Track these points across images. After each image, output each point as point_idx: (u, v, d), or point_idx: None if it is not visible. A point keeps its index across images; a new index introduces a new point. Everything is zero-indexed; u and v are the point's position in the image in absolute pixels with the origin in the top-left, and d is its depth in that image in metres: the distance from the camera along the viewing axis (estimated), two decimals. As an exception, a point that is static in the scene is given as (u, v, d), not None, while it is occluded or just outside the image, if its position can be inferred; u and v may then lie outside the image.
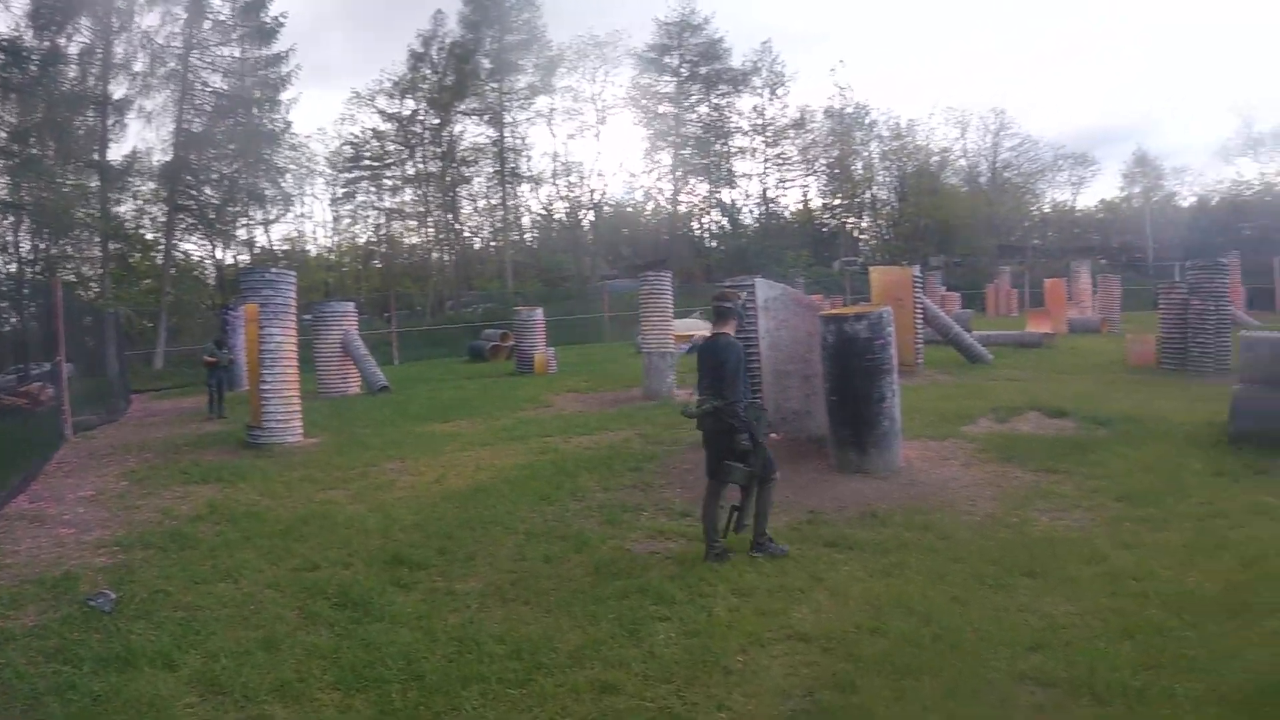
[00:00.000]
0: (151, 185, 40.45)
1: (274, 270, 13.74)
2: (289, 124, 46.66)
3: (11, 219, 35.75)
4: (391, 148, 55.79)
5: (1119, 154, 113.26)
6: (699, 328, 26.84)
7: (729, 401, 6.44)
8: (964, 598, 5.52)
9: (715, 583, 5.88)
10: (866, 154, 63.15)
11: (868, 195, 64.29)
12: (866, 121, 62.28)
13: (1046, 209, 68.46)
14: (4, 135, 34.29)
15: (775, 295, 10.69)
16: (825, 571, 6.08)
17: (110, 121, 38.30)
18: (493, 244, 59.49)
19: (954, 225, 59.10)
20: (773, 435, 8.72)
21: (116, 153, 38.98)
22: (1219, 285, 16.71)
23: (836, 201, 64.49)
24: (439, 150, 55.72)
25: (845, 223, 65.49)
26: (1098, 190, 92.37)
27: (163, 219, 40.76)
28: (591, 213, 60.88)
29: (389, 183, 56.72)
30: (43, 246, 37.26)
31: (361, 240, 58.87)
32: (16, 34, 34.12)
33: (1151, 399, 13.02)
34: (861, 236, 66.13)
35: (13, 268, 34.46)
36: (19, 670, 4.90)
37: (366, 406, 16.56)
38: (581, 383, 18.62)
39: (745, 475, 6.41)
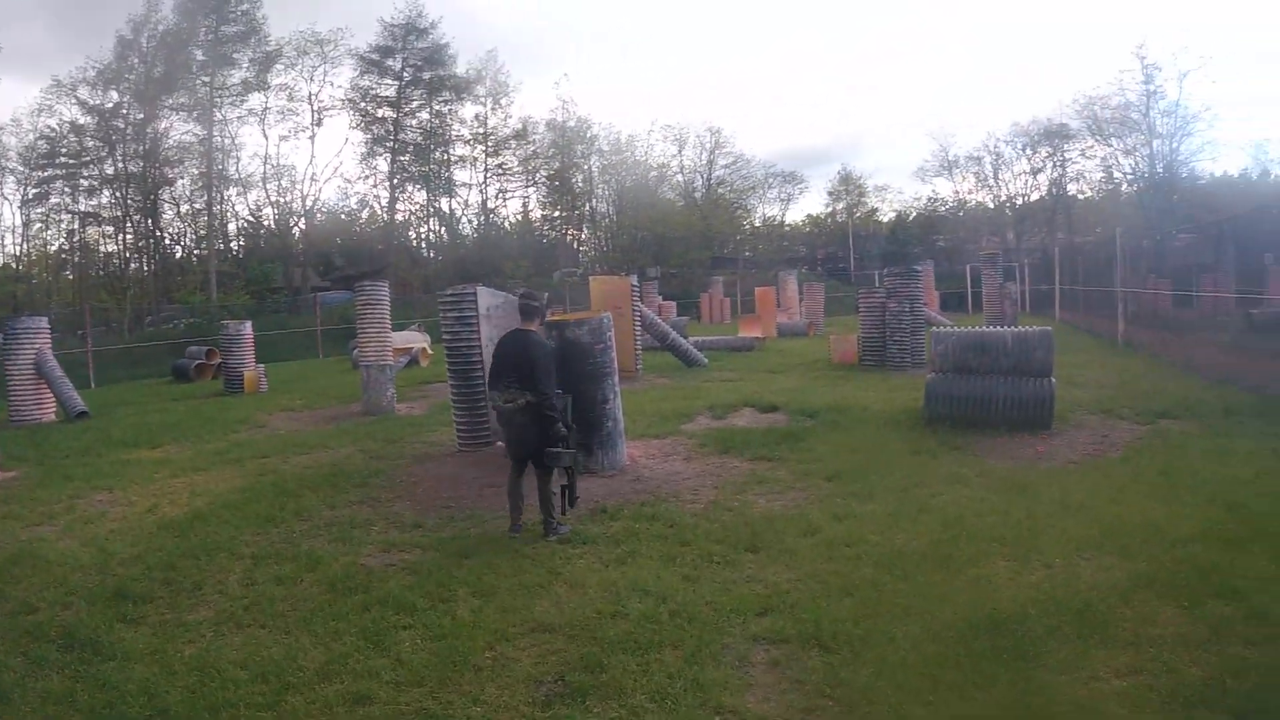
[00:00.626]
0: None
1: None
2: None
3: None
4: (90, 144, 50.74)
5: (825, 173, 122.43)
6: (418, 340, 26.44)
7: (544, 394, 6.85)
8: (695, 575, 5.87)
9: (455, 587, 5.90)
10: (587, 167, 64.26)
11: (587, 207, 65.41)
12: (588, 135, 63.38)
13: (758, 223, 72.64)
14: None
15: (498, 303, 10.90)
16: (562, 566, 6.24)
17: None
18: (196, 252, 55.43)
19: (670, 237, 61.19)
20: (498, 444, 8.85)
21: None
22: (913, 289, 18.17)
23: (557, 213, 65.27)
24: (142, 148, 51.08)
25: (565, 234, 66.40)
26: (805, 206, 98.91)
27: None
28: (303, 220, 58.24)
29: (85, 183, 51.62)
30: None
31: (54, 248, 53.55)
32: None
33: (854, 392, 14.11)
34: (581, 247, 67.30)
35: None
36: None
37: (65, 434, 15.04)
38: (296, 400, 17.81)
39: (570, 458, 6.90)
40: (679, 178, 68.58)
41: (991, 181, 64.83)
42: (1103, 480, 7.86)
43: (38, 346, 17.62)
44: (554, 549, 6.64)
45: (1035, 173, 62.44)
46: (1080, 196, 61.89)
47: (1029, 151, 61.80)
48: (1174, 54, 54.89)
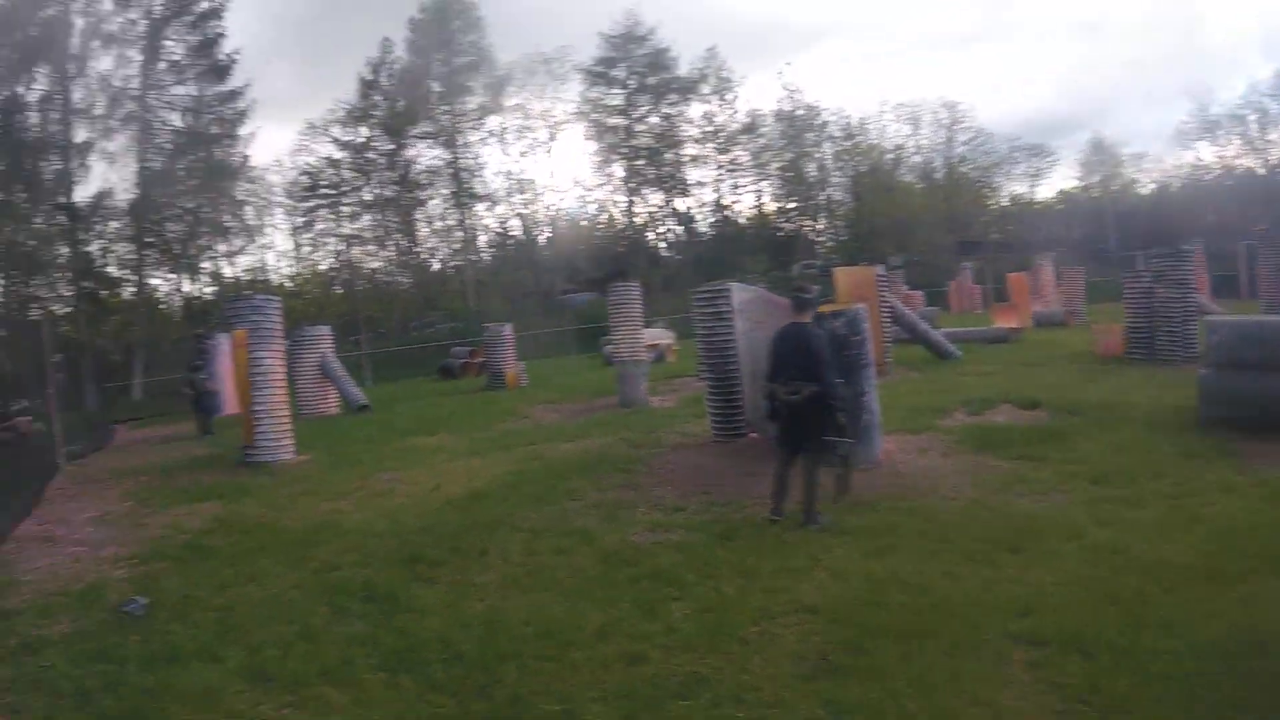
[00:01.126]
0: (117, 224, 40.74)
1: (260, 297, 13.96)
2: (247, 157, 46.82)
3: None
4: (347, 174, 55.61)
5: (1075, 143, 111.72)
6: (665, 337, 27.19)
7: (828, 383, 7.04)
8: (955, 572, 5.88)
9: (720, 566, 6.22)
10: (819, 155, 62.78)
11: (823, 197, 63.94)
12: (818, 122, 61.91)
13: (1005, 202, 68.17)
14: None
15: (750, 298, 11.09)
16: (822, 554, 6.41)
17: (74, 164, 38.58)
18: (452, 264, 59.37)
19: (911, 222, 58.88)
20: (753, 434, 9.10)
21: (82, 194, 39.34)
22: (1184, 272, 16.75)
23: (791, 205, 63.99)
24: (394, 175, 55.63)
25: (801, 225, 64.97)
26: (1057, 181, 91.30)
27: (130, 255, 41.03)
28: (548, 228, 60.91)
29: (347, 209, 56.48)
30: (13, 288, 37.46)
31: (323, 267, 58.88)
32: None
33: (1121, 387, 13.34)
34: (818, 239, 65.62)
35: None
36: (63, 671, 5.13)
37: (349, 425, 16.75)
38: (555, 395, 18.82)
39: (848, 447, 7.13)
40: (916, 158, 65.59)
41: (1260, 144, 57.75)
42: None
43: (322, 350, 19.82)
44: (814, 537, 6.82)
45: None
46: None
47: None
48: None
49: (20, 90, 36.88)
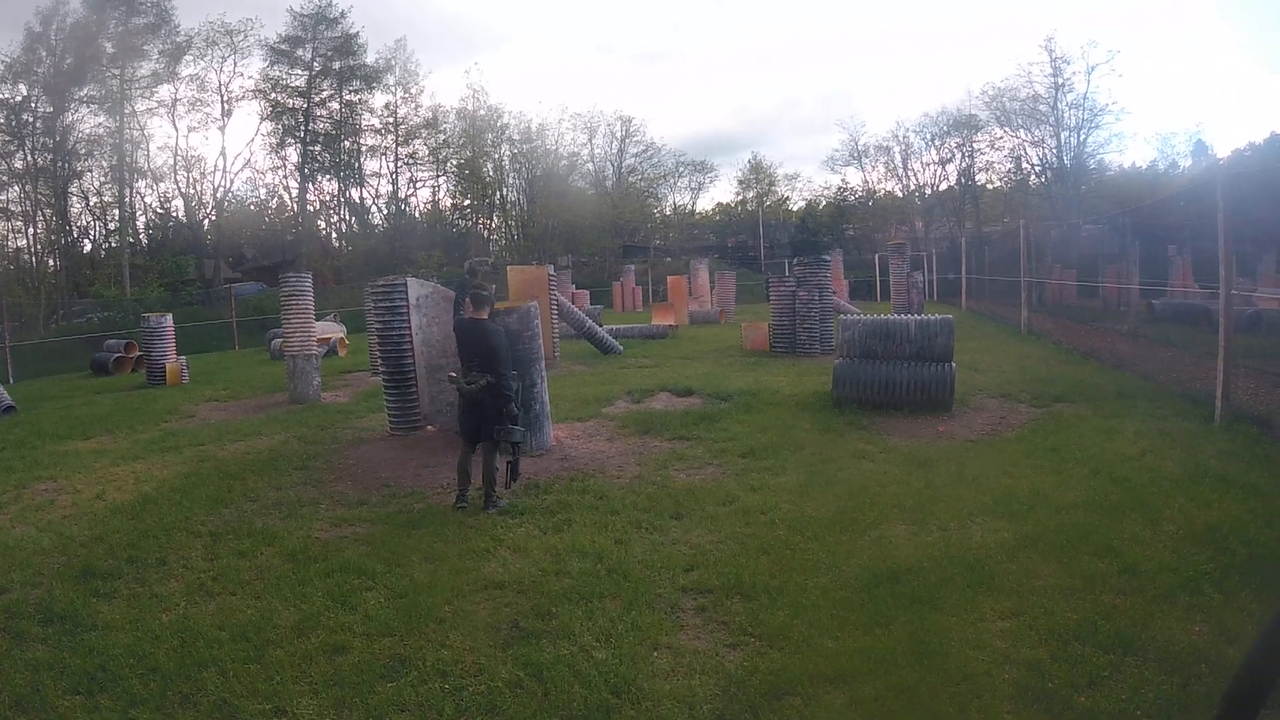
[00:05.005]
0: None
1: None
2: None
3: None
4: None
5: (736, 161, 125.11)
6: (336, 330, 26.51)
7: (501, 376, 7.57)
8: (626, 539, 6.53)
9: (408, 554, 6.42)
10: (498, 156, 63.76)
11: (498, 196, 64.85)
12: (498, 124, 62.99)
13: (668, 212, 73.10)
14: None
15: (427, 293, 11.30)
16: (504, 534, 6.81)
17: None
18: (106, 246, 54.00)
19: (581, 226, 61.36)
20: (429, 428, 9.36)
21: None
22: (823, 278, 19.01)
23: (467, 202, 64.65)
24: (51, 141, 49.40)
25: (476, 223, 65.84)
26: (716, 194, 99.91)
27: None
28: (213, 211, 56.98)
29: None
30: None
31: None
32: None
33: (766, 376, 14.84)
34: (492, 237, 66.59)
35: None
36: None
37: (-4, 428, 15.01)
38: (221, 391, 17.86)
39: (521, 434, 7.58)
40: (590, 166, 68.67)
41: (901, 171, 65.96)
42: (997, 456, 8.60)
43: None
44: (495, 520, 7.18)
45: (944, 163, 63.50)
46: (989, 187, 63.08)
47: (938, 142, 62.92)
48: (1083, 48, 56.92)
49: None
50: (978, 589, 5.26)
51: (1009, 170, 60.87)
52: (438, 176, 63.68)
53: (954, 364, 11.38)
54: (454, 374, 7.90)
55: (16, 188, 49.56)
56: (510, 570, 5.98)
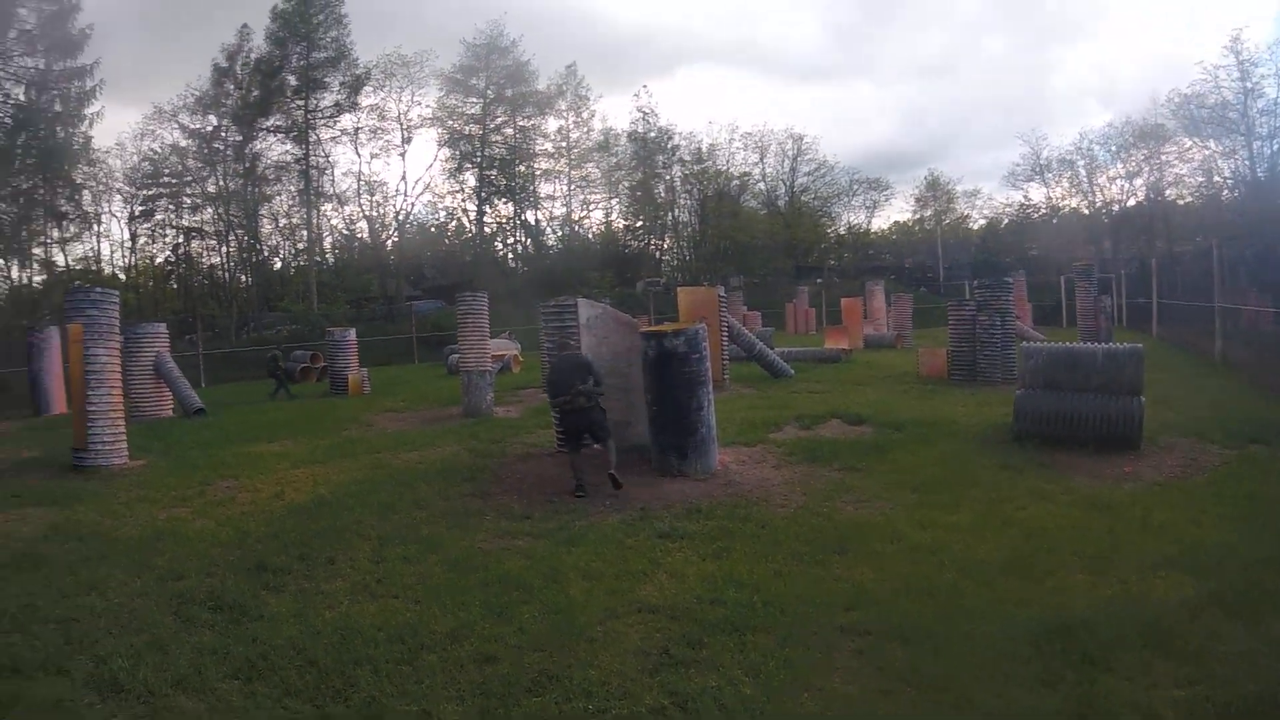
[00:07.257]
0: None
1: (99, 290, 13.08)
2: (90, 139, 44.26)
3: None
4: (192, 164, 53.67)
5: (912, 178, 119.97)
6: (511, 348, 27.26)
7: (598, 391, 9.16)
8: (785, 572, 6.36)
9: (566, 571, 6.49)
10: (669, 177, 64.78)
11: (670, 217, 65.81)
12: (669, 145, 63.98)
13: (843, 231, 71.88)
14: None
15: (596, 314, 11.41)
16: (662, 557, 6.79)
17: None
18: (295, 264, 57.98)
19: (753, 246, 61.61)
20: (596, 446, 9.53)
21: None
22: (1005, 301, 18.02)
23: (639, 223, 65.90)
24: (242, 167, 53.85)
25: (648, 244, 66.96)
26: (892, 213, 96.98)
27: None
28: (395, 233, 60.28)
29: (189, 200, 54.54)
30: None
31: (159, 260, 56.39)
32: None
33: (942, 406, 14.24)
34: (664, 257, 67.70)
35: None
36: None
37: (185, 429, 16.06)
38: (399, 403, 18.70)
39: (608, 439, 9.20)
40: (761, 185, 68.79)
41: (1086, 186, 62.94)
42: (1185, 502, 7.99)
43: (157, 349, 18.86)
44: (655, 543, 7.18)
45: (1131, 177, 60.18)
46: (1180, 202, 58.98)
47: (1124, 154, 59.51)
48: (1270, 48, 52.29)
49: None
50: (1154, 651, 4.87)
51: (1200, 184, 56.82)
52: (610, 198, 65.30)
53: (1143, 398, 10.64)
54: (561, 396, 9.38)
55: (210, 210, 53.99)
56: (665, 594, 5.95)
